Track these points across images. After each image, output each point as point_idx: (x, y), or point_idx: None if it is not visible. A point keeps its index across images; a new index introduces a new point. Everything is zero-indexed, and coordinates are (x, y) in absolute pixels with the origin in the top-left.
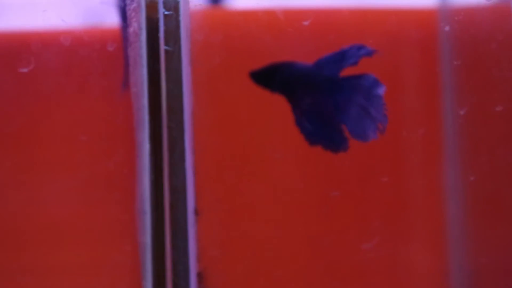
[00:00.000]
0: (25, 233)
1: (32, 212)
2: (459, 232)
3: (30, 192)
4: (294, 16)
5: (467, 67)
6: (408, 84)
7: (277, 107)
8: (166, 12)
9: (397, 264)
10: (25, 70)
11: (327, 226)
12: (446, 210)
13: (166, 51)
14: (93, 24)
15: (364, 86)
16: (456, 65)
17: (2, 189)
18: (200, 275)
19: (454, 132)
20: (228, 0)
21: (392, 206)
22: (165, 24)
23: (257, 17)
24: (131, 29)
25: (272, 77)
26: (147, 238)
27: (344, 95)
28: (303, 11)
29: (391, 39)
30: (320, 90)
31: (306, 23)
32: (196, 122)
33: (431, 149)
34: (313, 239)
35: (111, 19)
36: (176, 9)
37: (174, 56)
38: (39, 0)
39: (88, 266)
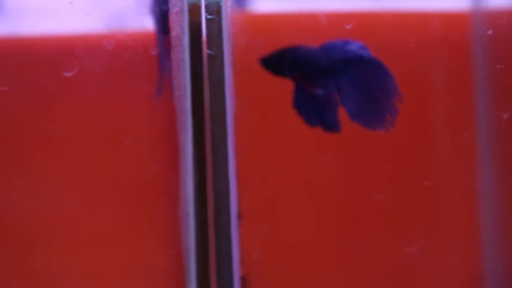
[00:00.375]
0: (69, 236)
1: (76, 215)
2: (494, 235)
3: (75, 195)
4: (336, 19)
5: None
6: (446, 87)
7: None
8: (209, 16)
9: (433, 267)
10: (69, 74)
11: (369, 230)
12: (481, 214)
13: (209, 55)
14: (134, 28)
15: (369, 72)
16: (499, 69)
17: (49, 192)
18: (243, 279)
19: (494, 135)
20: (253, 3)
21: (431, 209)
22: (208, 28)
23: (299, 21)
24: (173, 33)
25: (281, 61)
26: (191, 241)
27: (346, 79)
28: (345, 14)
29: (432, 42)
30: (324, 72)
31: (348, 26)
32: (238, 126)
33: (468, 152)
34: (355, 243)
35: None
36: (218, 13)
37: (216, 60)
38: (82, 4)
39: (133, 270)
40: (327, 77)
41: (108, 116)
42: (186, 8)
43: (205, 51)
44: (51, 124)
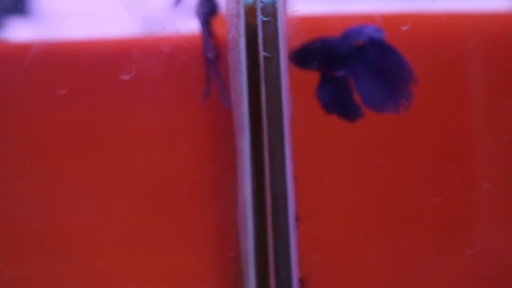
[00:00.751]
0: (128, 238)
1: (134, 217)
2: None
3: (132, 198)
4: (393, 21)
5: None
6: (506, 88)
7: (377, 114)
8: (264, 19)
9: (492, 269)
10: (126, 77)
11: (427, 232)
12: None
13: (265, 57)
14: (191, 31)
15: (382, 56)
16: None
17: (106, 194)
18: (302, 281)
19: None
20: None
21: (490, 211)
22: (264, 30)
23: (355, 22)
24: (230, 36)
25: (307, 54)
26: (249, 244)
27: (360, 63)
28: (401, 15)
29: (490, 43)
30: (341, 58)
31: (404, 28)
32: (295, 128)
33: None
34: (414, 245)
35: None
36: (274, 15)
37: (273, 62)
38: (138, 7)
39: (191, 273)
40: (344, 63)
41: (165, 119)
42: (242, 10)
43: (262, 53)
44: (108, 127)
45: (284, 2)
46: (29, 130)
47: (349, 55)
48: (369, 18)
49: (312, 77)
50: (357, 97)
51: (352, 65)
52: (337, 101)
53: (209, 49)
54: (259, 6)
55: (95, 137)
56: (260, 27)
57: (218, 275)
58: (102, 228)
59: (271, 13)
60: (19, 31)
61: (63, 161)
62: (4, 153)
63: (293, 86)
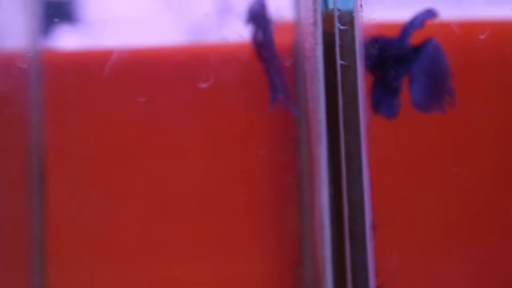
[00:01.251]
0: (203, 243)
1: (206, 223)
2: None
3: (207, 204)
4: (470, 29)
5: None
6: None
7: (455, 122)
8: (342, 27)
9: None
10: (204, 85)
11: (506, 240)
12: None
13: (342, 65)
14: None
15: (426, 53)
16: None
17: (178, 201)
18: None
19: None
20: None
21: None
22: (341, 38)
23: (431, 30)
24: (307, 44)
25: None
26: (326, 251)
27: (410, 63)
28: (479, 24)
29: None
30: (398, 60)
31: (482, 36)
32: (371, 136)
33: None
34: (493, 253)
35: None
36: (351, 23)
37: (350, 70)
38: (216, 15)
39: (268, 280)
40: (400, 64)
41: (241, 127)
42: (319, 19)
43: (338, 61)
44: (186, 134)
45: (361, 11)
46: (107, 137)
47: (405, 56)
48: (445, 26)
49: None
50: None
51: (407, 66)
52: (386, 101)
53: (269, 56)
54: (336, 14)
55: (172, 144)
56: (337, 35)
57: (295, 282)
58: (170, 233)
59: (348, 21)
60: (86, 39)
61: (139, 168)
62: (82, 160)
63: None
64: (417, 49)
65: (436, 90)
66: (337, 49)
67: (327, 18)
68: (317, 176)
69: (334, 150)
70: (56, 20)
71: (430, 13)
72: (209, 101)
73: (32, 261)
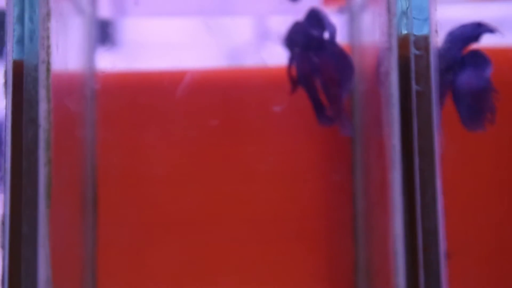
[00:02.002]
0: (259, 270)
1: (269, 249)
2: None
3: (267, 230)
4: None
5: None
6: None
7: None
8: (417, 52)
9: None
10: (278, 108)
11: None
12: None
13: (417, 91)
14: None
15: (477, 63)
16: None
17: (235, 227)
18: None
19: None
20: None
21: None
22: (416, 63)
23: (508, 54)
24: (382, 69)
25: None
26: (400, 280)
27: (462, 76)
28: None
29: None
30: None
31: None
32: (446, 163)
33: None
34: None
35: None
36: (426, 48)
37: (424, 96)
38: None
39: None
40: (445, 74)
41: (314, 151)
42: (395, 44)
43: (413, 87)
44: (257, 158)
45: (437, 36)
46: (178, 160)
47: (451, 66)
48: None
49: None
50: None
51: (453, 77)
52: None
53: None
54: (412, 39)
55: (243, 168)
56: (413, 61)
57: None
58: (224, 258)
59: (423, 46)
60: (128, 62)
61: (198, 192)
62: (152, 181)
63: (444, 120)
64: (465, 59)
65: (479, 105)
66: (412, 75)
67: (403, 43)
68: (390, 203)
69: (408, 177)
70: (106, 43)
71: (485, 29)
72: (281, 125)
73: (84, 282)
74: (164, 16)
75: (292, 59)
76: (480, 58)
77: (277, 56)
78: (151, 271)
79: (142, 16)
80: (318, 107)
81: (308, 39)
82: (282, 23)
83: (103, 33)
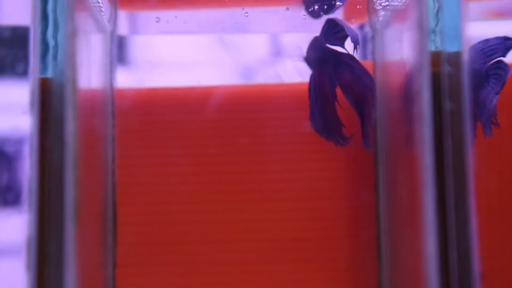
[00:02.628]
0: None
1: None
2: None
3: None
4: None
5: None
6: None
7: None
8: (448, 70)
9: None
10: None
11: None
12: None
13: (450, 109)
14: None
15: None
16: None
17: (260, 247)
18: None
19: None
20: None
21: None
22: (448, 81)
23: None
24: (412, 86)
25: None
26: None
27: (483, 88)
28: None
29: None
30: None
31: None
32: (479, 183)
33: None
34: None
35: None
36: (458, 66)
37: (457, 114)
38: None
39: None
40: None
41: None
42: (427, 61)
43: (446, 105)
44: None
45: (468, 53)
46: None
47: (476, 81)
48: None
49: (497, 130)
50: None
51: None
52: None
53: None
54: (444, 57)
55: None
56: (445, 78)
57: None
58: (247, 277)
59: (455, 63)
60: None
61: (229, 209)
62: (171, 200)
63: (476, 139)
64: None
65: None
66: (445, 92)
67: (434, 60)
68: (422, 223)
69: (441, 197)
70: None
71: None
72: (304, 143)
73: None
74: (182, 34)
75: (312, 75)
76: (502, 68)
77: (296, 73)
78: None
79: (160, 34)
80: (334, 127)
81: (326, 53)
82: (299, 40)
83: (121, 51)
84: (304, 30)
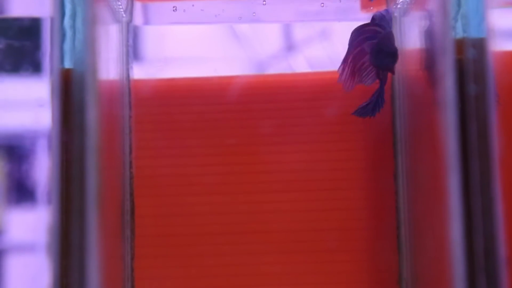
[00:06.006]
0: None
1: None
2: None
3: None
4: None
5: None
6: None
7: None
8: (472, 54)
9: None
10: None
11: None
12: None
13: (474, 94)
14: None
15: None
16: None
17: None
18: None
19: None
20: None
21: None
22: (472, 66)
23: None
24: (436, 72)
25: None
26: (460, 286)
27: None
28: None
29: None
30: None
31: None
32: (504, 167)
33: None
34: None
35: None
36: (482, 51)
37: (481, 98)
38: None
39: None
40: None
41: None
42: (451, 46)
43: (471, 89)
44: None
45: (493, 38)
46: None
47: None
48: None
49: None
50: None
51: None
52: None
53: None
54: (467, 42)
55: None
56: (469, 63)
57: None
58: (266, 268)
59: (480, 48)
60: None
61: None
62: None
63: (500, 123)
64: None
65: None
66: (470, 77)
67: (458, 45)
68: (447, 209)
69: (466, 181)
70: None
71: None
72: (324, 133)
73: None
74: (199, 24)
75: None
76: None
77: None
78: (189, 283)
79: (176, 24)
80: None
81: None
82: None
83: (137, 41)
84: (320, 18)
